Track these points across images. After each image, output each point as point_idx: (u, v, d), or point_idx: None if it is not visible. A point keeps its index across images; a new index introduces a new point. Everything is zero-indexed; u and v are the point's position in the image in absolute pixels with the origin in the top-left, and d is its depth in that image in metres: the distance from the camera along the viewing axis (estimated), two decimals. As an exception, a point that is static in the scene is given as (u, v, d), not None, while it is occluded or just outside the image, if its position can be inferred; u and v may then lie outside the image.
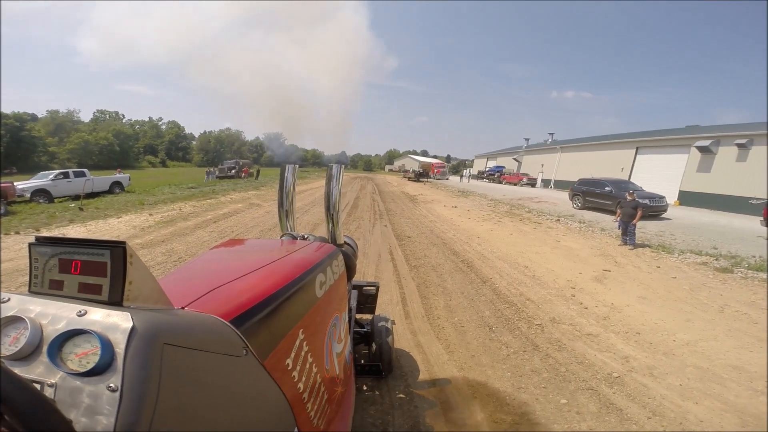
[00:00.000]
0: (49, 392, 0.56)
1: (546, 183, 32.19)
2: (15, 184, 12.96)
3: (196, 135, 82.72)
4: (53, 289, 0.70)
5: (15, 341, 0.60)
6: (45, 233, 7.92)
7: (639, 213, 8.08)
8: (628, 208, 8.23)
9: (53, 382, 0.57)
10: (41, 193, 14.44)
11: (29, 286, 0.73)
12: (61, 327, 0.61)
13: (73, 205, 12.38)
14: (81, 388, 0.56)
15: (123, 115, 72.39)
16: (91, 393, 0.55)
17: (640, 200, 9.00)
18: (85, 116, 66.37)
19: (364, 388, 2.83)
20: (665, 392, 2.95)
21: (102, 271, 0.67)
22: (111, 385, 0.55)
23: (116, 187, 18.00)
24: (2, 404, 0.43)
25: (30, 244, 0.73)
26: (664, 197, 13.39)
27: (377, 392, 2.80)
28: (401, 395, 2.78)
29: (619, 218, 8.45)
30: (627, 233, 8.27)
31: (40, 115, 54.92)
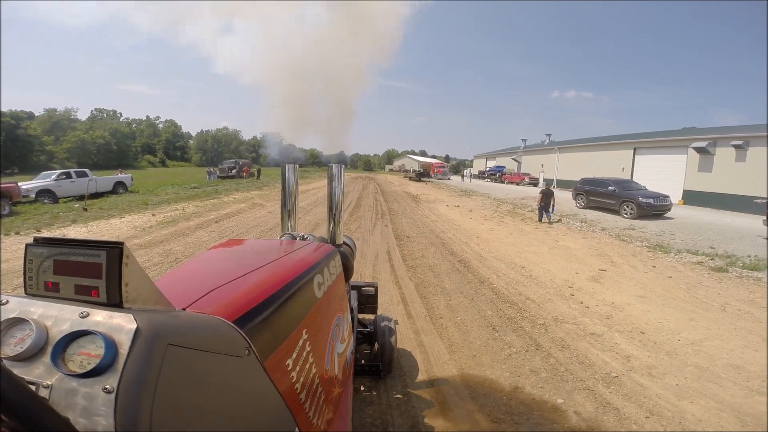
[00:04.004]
0: (44, 393, 0.56)
1: (548, 183, 32.15)
2: (19, 184, 13.02)
3: (193, 134, 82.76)
4: (49, 291, 0.70)
5: (20, 342, 0.60)
6: (46, 234, 7.97)
7: (540, 197, 11.65)
8: (548, 196, 11.58)
9: (49, 383, 0.57)
10: (46, 194, 14.48)
11: (24, 288, 0.72)
12: (66, 329, 0.61)
13: (77, 205, 12.45)
14: (76, 390, 0.56)
15: (120, 114, 72.47)
16: (87, 394, 0.55)
17: (553, 190, 12.61)
18: (84, 115, 66.34)
19: (362, 388, 2.85)
20: (661, 392, 2.96)
21: (97, 273, 0.67)
22: (107, 386, 0.55)
23: (120, 187, 18.05)
24: (1, 404, 0.43)
25: (27, 245, 0.72)
26: (668, 196, 13.36)
27: (374, 392, 2.82)
28: (399, 395, 2.80)
29: (541, 203, 11.61)
30: (547, 213, 11.56)
31: (37, 113, 54.95)
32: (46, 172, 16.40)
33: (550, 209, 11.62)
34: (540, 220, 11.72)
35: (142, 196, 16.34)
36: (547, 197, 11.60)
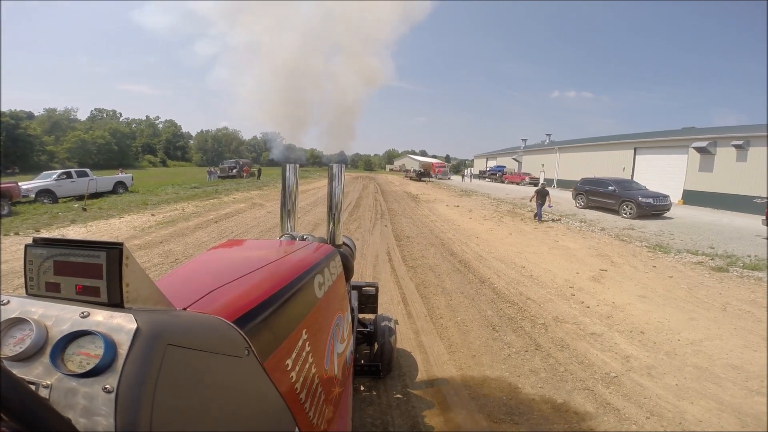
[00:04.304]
0: (44, 393, 0.56)
1: (549, 182, 32.14)
2: (19, 184, 13.02)
3: (193, 134, 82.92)
4: (50, 291, 0.70)
5: (20, 342, 0.60)
6: (45, 234, 7.97)
7: (534, 195, 12.03)
8: (542, 195, 11.82)
9: (49, 383, 0.57)
10: (46, 194, 14.47)
11: (26, 288, 0.72)
12: (66, 328, 0.61)
13: (77, 205, 12.44)
14: (76, 390, 0.56)
15: (120, 114, 72.65)
16: (87, 394, 0.55)
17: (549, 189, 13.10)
18: (84, 115, 66.46)
19: (362, 388, 2.85)
20: (661, 392, 2.96)
21: (98, 273, 0.67)
22: (107, 386, 0.55)
23: (120, 187, 18.06)
24: (1, 405, 0.43)
25: (26, 246, 0.72)
26: (668, 196, 13.36)
27: (374, 392, 2.82)
28: (398, 395, 2.80)
29: (537, 201, 11.84)
30: (540, 210, 11.87)
31: (37, 113, 55.01)
32: (46, 172, 16.40)
33: (549, 206, 12.16)
34: (539, 219, 11.96)
35: (141, 196, 16.34)
36: (542, 196, 12.00)
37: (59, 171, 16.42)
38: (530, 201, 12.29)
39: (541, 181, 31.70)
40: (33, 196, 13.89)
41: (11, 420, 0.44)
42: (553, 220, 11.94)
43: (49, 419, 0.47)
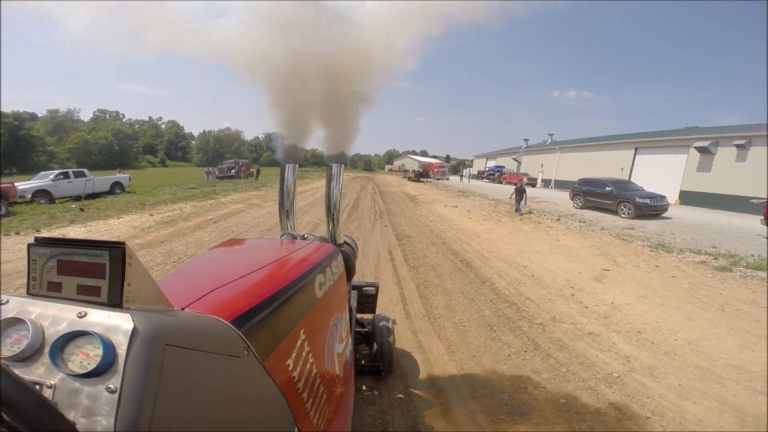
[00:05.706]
0: (47, 393, 0.56)
1: (546, 183, 32.16)
2: (16, 184, 12.98)
3: (196, 135, 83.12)
4: (51, 291, 0.69)
5: (17, 342, 0.60)
6: (45, 234, 7.93)
7: (513, 193, 13.80)
8: (520, 192, 13.44)
9: (52, 383, 0.57)
10: (42, 194, 14.43)
11: (27, 288, 0.72)
12: (63, 329, 0.61)
13: (74, 205, 12.40)
14: (80, 390, 0.56)
15: (123, 115, 72.92)
16: (90, 394, 0.55)
17: (527, 186, 15.32)
18: (86, 116, 66.67)
19: (363, 388, 2.84)
20: (664, 392, 2.95)
21: (101, 273, 0.67)
22: (110, 386, 0.55)
23: (117, 187, 17.99)
24: (2, 405, 0.43)
25: (29, 245, 0.72)
26: (665, 197, 13.40)
27: (376, 392, 2.81)
28: (400, 395, 2.79)
29: (514, 196, 13.60)
30: (519, 205, 13.40)
31: (40, 114, 55.17)
32: (44, 173, 16.34)
33: (524, 203, 13.67)
34: (519, 212, 13.35)
35: (139, 196, 16.28)
36: (519, 193, 13.48)
37: (56, 171, 16.36)
38: (510, 198, 13.67)
39: (540, 181, 31.93)
40: (29, 196, 13.85)
41: (14, 420, 0.44)
42: (529, 212, 13.43)
43: (52, 420, 0.47)
